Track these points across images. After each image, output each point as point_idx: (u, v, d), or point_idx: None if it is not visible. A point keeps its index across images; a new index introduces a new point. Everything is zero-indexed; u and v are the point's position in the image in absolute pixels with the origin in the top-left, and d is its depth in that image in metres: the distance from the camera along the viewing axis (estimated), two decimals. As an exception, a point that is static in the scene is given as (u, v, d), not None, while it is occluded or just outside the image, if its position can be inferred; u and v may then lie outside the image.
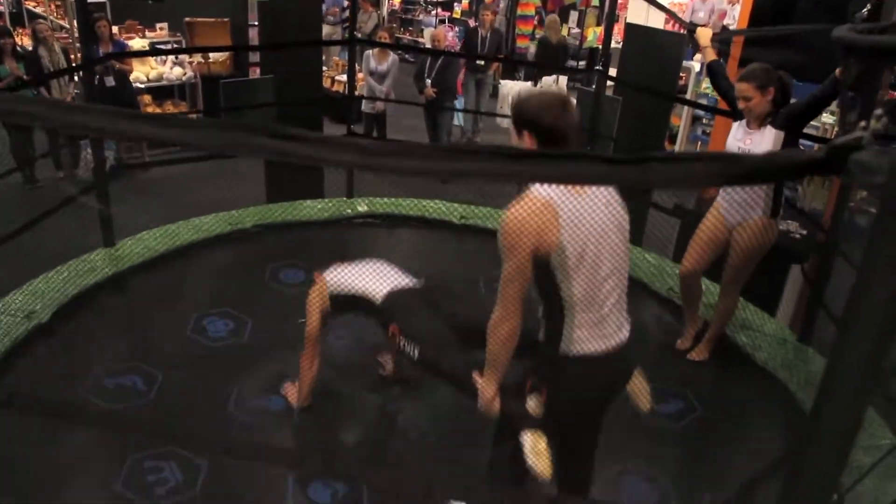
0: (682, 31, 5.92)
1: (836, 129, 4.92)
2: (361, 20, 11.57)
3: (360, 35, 9.96)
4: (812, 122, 4.23)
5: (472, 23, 10.06)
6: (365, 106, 7.85)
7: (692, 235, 3.91)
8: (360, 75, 7.82)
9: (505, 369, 2.26)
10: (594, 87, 5.52)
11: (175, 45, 9.32)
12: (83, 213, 4.66)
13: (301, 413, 3.32)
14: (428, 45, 11.85)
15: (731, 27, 9.02)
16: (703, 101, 8.12)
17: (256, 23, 8.21)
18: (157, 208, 5.65)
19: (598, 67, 5.47)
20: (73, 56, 7.54)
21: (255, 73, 8.30)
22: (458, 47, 10.76)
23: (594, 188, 2.07)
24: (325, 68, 9.46)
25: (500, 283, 2.10)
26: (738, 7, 7.75)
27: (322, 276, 3.17)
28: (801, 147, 3.78)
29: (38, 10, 10.89)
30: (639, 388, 2.45)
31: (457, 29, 13.69)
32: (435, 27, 13.85)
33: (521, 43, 12.83)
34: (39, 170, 7.19)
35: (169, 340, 3.81)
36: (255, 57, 8.64)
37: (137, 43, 8.83)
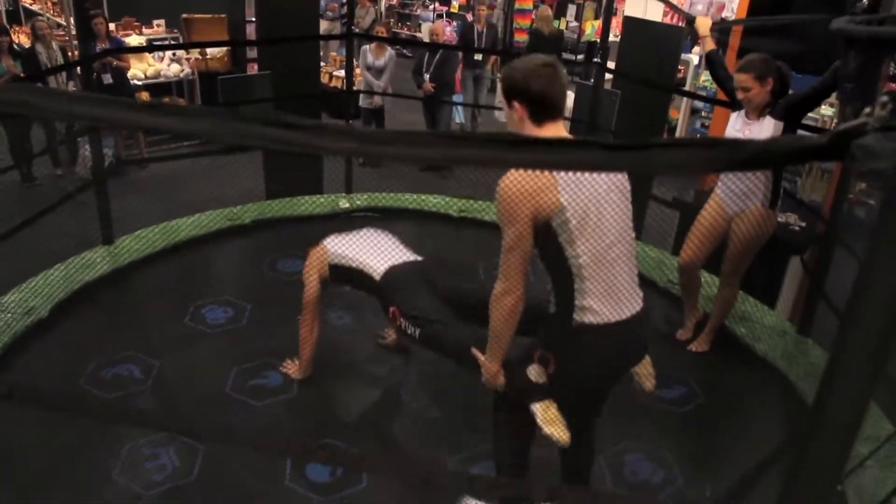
0: (680, 23, 5.91)
1: (834, 120, 4.91)
2: (359, 15, 11.55)
3: (357, 30, 9.93)
4: (810, 114, 4.21)
5: (469, 17, 10.04)
6: (363, 101, 7.85)
7: (694, 222, 3.90)
8: (357, 71, 7.81)
9: (508, 343, 2.22)
10: (592, 80, 5.50)
11: (172, 42, 9.30)
12: (82, 211, 4.65)
13: (301, 386, 3.33)
14: (426, 40, 11.83)
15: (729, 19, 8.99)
16: (702, 94, 8.11)
17: (254, 19, 8.18)
18: (155, 205, 5.64)
19: (596, 60, 5.44)
20: (70, 54, 7.52)
21: (253, 69, 8.27)
22: (456, 42, 10.73)
23: None
24: (322, 64, 9.45)
25: (501, 255, 2.06)
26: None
27: (321, 244, 3.16)
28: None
29: (35, 7, 10.87)
30: (644, 368, 2.43)
31: (455, 23, 13.66)
32: (433, 22, 13.83)
33: (519, 37, 12.79)
34: (37, 167, 7.17)
35: (167, 329, 3.82)
36: (252, 53, 8.61)
37: (134, 40, 8.81)
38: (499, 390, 2.34)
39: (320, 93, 7.35)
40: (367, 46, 7.80)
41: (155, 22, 9.55)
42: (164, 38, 9.42)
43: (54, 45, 7.24)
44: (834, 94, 3.54)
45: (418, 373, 3.52)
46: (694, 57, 8.61)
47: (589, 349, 2.13)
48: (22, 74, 6.82)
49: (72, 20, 7.74)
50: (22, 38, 8.91)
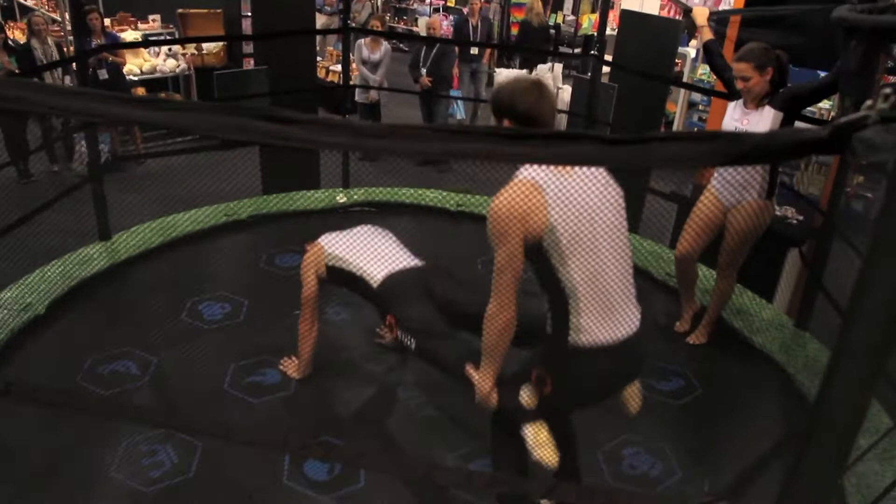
0: (677, 16, 5.90)
1: (832, 112, 4.90)
2: (355, 10, 11.53)
3: (354, 25, 9.91)
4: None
5: (465, 11, 10.02)
6: (359, 96, 7.82)
7: (690, 214, 3.90)
8: (354, 65, 7.79)
9: (502, 361, 2.22)
10: (590, 73, 5.49)
11: (168, 37, 9.28)
12: (78, 207, 4.64)
13: (299, 384, 3.32)
14: (423, 35, 11.80)
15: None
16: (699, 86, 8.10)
17: (249, 13, 8.16)
18: (152, 201, 5.63)
19: (593, 53, 5.43)
20: (65, 49, 7.49)
21: (249, 64, 8.27)
22: (451, 36, 10.71)
23: (581, 168, 2.02)
24: (319, 59, 9.42)
25: (493, 274, 2.06)
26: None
27: (317, 243, 3.14)
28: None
29: (30, 3, 10.83)
30: (632, 389, 2.40)
31: (451, 18, 13.63)
32: (429, 16, 13.80)
33: (516, 31, 12.78)
34: (34, 164, 7.15)
35: (164, 326, 3.81)
36: (248, 48, 8.60)
37: (130, 35, 8.79)
38: (492, 409, 2.35)
39: (317, 88, 7.33)
40: (362, 41, 7.78)
41: (150, 17, 9.52)
42: (160, 34, 9.39)
43: (50, 40, 7.22)
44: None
45: (416, 370, 3.51)
46: (691, 50, 8.59)
47: (583, 370, 2.13)
48: (17, 70, 6.80)
49: (67, 16, 7.72)
50: (17, 34, 8.87)
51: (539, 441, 2.22)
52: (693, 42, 8.74)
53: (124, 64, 7.83)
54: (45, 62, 6.92)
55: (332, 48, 10.85)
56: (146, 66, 8.67)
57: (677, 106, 8.61)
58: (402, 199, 5.60)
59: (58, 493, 2.75)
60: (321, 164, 5.86)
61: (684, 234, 3.84)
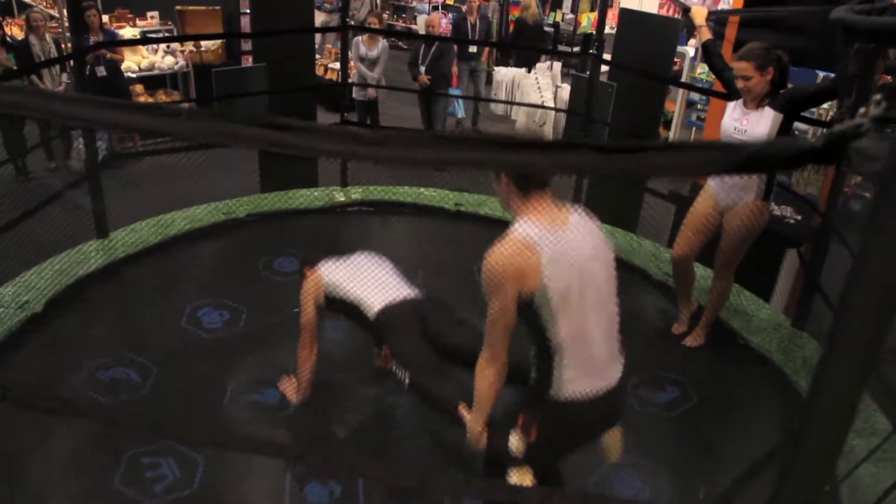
0: (676, 15, 5.90)
1: (830, 112, 4.91)
2: (354, 7, 11.52)
3: (353, 22, 9.90)
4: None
5: (464, 9, 10.01)
6: (356, 93, 7.80)
7: (686, 216, 3.89)
8: (352, 63, 7.78)
9: (491, 407, 2.30)
10: (588, 72, 5.49)
11: (166, 34, 9.26)
12: (75, 204, 4.63)
13: (296, 407, 3.31)
14: (421, 32, 11.79)
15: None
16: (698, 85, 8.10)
17: (248, 10, 8.15)
18: (150, 198, 5.62)
19: (592, 51, 5.43)
20: (63, 46, 7.48)
21: (248, 61, 8.26)
22: (449, 34, 10.70)
23: (575, 224, 2.09)
24: (318, 56, 9.41)
25: (485, 325, 2.13)
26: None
27: (315, 270, 3.16)
28: (796, 129, 3.76)
29: (28, -1, 10.79)
30: (612, 438, 2.47)
31: (450, 15, 13.61)
32: (428, 14, 13.78)
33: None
34: (31, 161, 7.15)
35: (164, 332, 3.79)
36: (247, 45, 8.58)
37: (128, 32, 8.77)
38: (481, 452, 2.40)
39: (315, 85, 7.32)
40: (360, 38, 7.76)
41: (149, 14, 9.49)
42: (158, 30, 9.37)
43: (48, 37, 7.20)
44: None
45: (413, 395, 3.49)
46: (690, 49, 8.59)
47: (564, 420, 2.20)
48: (15, 67, 6.78)
49: (65, 12, 7.70)
50: (15, 30, 8.85)
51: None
52: (692, 41, 8.75)
53: (122, 61, 7.82)
54: (42, 59, 6.91)
55: (330, 46, 10.84)
56: (144, 63, 8.66)
57: (676, 105, 8.61)
58: (400, 197, 5.59)
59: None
60: (319, 163, 5.86)
61: (681, 235, 3.84)
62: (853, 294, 0.94)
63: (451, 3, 14.87)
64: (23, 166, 6.99)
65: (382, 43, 7.80)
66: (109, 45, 6.96)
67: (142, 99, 8.40)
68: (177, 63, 8.83)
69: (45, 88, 7.04)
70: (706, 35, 3.91)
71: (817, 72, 5.77)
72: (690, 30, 6.52)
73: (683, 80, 8.54)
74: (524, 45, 10.26)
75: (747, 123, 3.52)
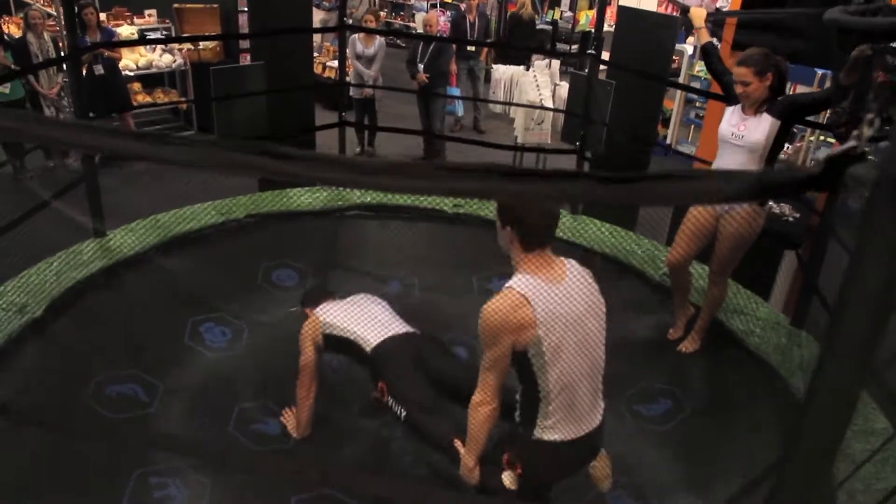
0: (675, 13, 5.90)
1: (826, 114, 4.89)
2: (353, 5, 11.51)
3: (351, 21, 9.89)
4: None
5: (463, 7, 10.01)
6: (353, 92, 7.79)
7: (682, 222, 3.89)
8: (350, 61, 7.77)
9: (483, 445, 2.39)
10: (587, 70, 5.49)
11: (164, 32, 9.23)
12: (73, 203, 4.61)
13: (296, 439, 3.34)
14: (420, 30, 11.77)
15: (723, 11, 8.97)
16: (696, 85, 8.12)
17: (246, 8, 8.12)
18: (147, 197, 5.61)
19: (590, 51, 5.43)
20: (61, 44, 7.46)
21: (246, 59, 8.24)
22: (448, 33, 10.70)
23: (571, 280, 2.18)
24: (316, 55, 9.39)
25: (480, 369, 2.24)
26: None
27: (314, 312, 3.21)
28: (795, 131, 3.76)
29: (25, -3, 10.75)
30: (601, 469, 2.59)
31: (448, 13, 13.60)
32: (426, 11, 13.76)
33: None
34: (29, 159, 7.14)
35: (166, 345, 3.79)
36: (245, 43, 8.56)
37: (126, 30, 8.74)
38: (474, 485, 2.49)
39: (314, 84, 7.31)
40: (356, 35, 7.75)
41: (146, 11, 9.46)
42: (156, 28, 9.34)
43: (46, 35, 7.19)
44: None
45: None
46: (688, 47, 8.59)
47: (544, 461, 2.33)
48: (13, 66, 6.77)
49: (62, 10, 7.68)
50: (12, 29, 8.83)
51: None
52: (690, 38, 8.74)
53: (120, 59, 7.81)
54: (40, 57, 6.90)
55: (329, 44, 10.82)
56: (142, 62, 8.65)
57: (675, 102, 8.62)
58: (397, 201, 5.56)
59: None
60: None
61: (677, 242, 3.84)
62: (850, 292, 0.96)
63: (450, 1, 14.84)
64: (21, 164, 6.99)
65: (379, 40, 7.80)
66: (107, 45, 6.95)
67: (140, 97, 8.39)
68: (175, 61, 8.82)
69: (39, 92, 7.05)
70: (705, 37, 3.90)
71: (816, 70, 5.78)
72: (689, 27, 6.52)
73: (682, 77, 8.55)
74: (521, 45, 10.27)
75: (744, 129, 3.52)
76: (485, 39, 9.28)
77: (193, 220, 4.91)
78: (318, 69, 9.78)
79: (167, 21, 9.42)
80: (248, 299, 4.28)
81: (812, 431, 1.10)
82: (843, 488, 2.85)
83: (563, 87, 8.35)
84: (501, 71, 9.46)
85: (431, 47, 7.94)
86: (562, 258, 2.25)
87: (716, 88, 3.98)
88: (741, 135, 3.52)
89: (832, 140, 5.73)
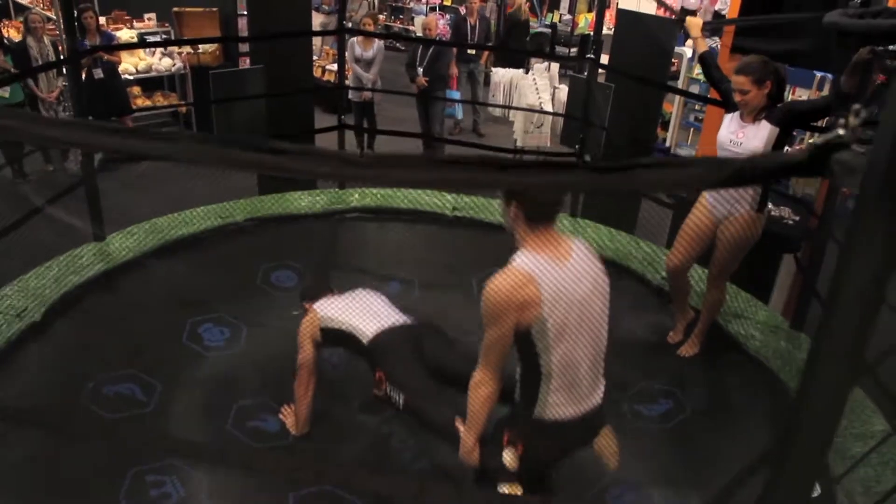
0: (673, 16, 5.90)
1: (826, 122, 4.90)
2: (352, 9, 11.52)
3: (351, 24, 9.90)
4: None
5: (462, 10, 10.02)
6: (352, 95, 7.80)
7: (682, 226, 3.89)
8: (349, 64, 7.78)
9: (483, 425, 2.35)
10: (586, 73, 5.49)
11: (164, 36, 9.25)
12: (72, 207, 4.62)
13: (297, 437, 3.34)
14: (419, 34, 11.79)
15: (723, 13, 8.98)
16: (695, 88, 8.11)
17: (245, 12, 8.14)
18: (147, 201, 5.61)
19: (589, 55, 5.43)
20: (61, 48, 7.47)
21: (245, 63, 8.25)
22: (450, 35, 10.71)
23: (576, 258, 2.13)
24: (315, 58, 9.40)
25: (481, 347, 2.19)
26: (729, -8, 7.72)
27: (313, 307, 3.19)
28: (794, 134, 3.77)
29: (25, 1, 10.78)
30: (607, 446, 2.52)
31: (448, 17, 13.61)
32: (426, 15, 13.78)
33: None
34: (28, 163, 7.14)
35: (165, 346, 3.79)
36: (244, 47, 8.57)
37: (125, 34, 8.76)
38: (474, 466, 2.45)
39: (313, 87, 7.31)
40: (355, 38, 7.75)
41: (146, 15, 9.48)
42: (155, 32, 9.35)
43: (46, 39, 7.20)
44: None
45: (410, 422, 3.48)
46: (688, 50, 8.57)
47: (545, 440, 2.28)
48: (12, 69, 6.78)
49: (62, 14, 7.69)
50: (12, 33, 8.84)
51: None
52: (689, 42, 8.74)
53: (119, 63, 7.81)
54: (40, 61, 6.91)
55: (328, 47, 10.83)
56: (142, 65, 8.65)
57: (674, 106, 8.62)
58: (397, 202, 5.57)
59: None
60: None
61: (676, 247, 3.84)
62: (839, 285, 0.96)
63: (449, 4, 14.86)
64: (20, 168, 6.99)
65: (378, 44, 7.80)
66: (106, 48, 6.96)
67: (139, 101, 8.39)
68: (174, 65, 8.82)
69: (38, 96, 7.05)
70: (702, 47, 3.90)
71: (815, 72, 5.79)
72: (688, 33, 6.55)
73: (681, 80, 8.54)
74: (521, 48, 10.29)
75: (743, 136, 3.52)
76: (486, 42, 9.28)
77: (193, 224, 4.92)
78: (317, 73, 9.79)
79: (167, 25, 9.44)
80: (248, 300, 4.28)
81: (805, 426, 1.10)
82: (843, 489, 2.85)
83: (563, 91, 8.35)
84: (501, 74, 9.48)
85: (431, 51, 7.94)
86: (567, 236, 2.19)
87: (714, 94, 3.97)
88: (740, 142, 3.52)
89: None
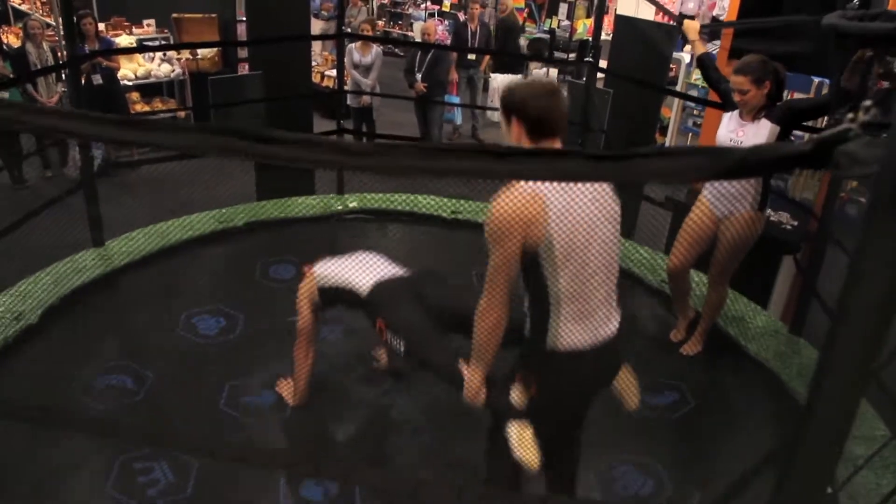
0: (671, 22, 5.91)
1: (825, 120, 4.91)
2: (351, 15, 11.54)
3: (349, 30, 9.92)
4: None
5: (461, 16, 10.06)
6: (351, 100, 7.81)
7: (682, 226, 3.89)
8: (347, 70, 7.79)
9: (492, 359, 2.22)
10: (584, 79, 5.49)
11: (163, 42, 9.26)
12: (71, 213, 4.62)
13: (294, 408, 3.31)
14: (418, 40, 11.81)
15: (720, 18, 9.01)
16: (694, 93, 8.13)
17: (244, 18, 8.15)
18: (146, 207, 5.61)
19: (587, 59, 5.44)
20: (60, 54, 7.48)
21: (244, 69, 8.26)
22: (449, 42, 10.74)
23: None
24: (314, 63, 9.41)
25: (487, 273, 2.06)
26: (727, -3, 7.74)
27: (311, 270, 3.15)
28: (793, 138, 3.77)
29: (24, 7, 10.80)
30: (627, 384, 2.41)
31: (446, 22, 13.65)
32: (424, 21, 13.81)
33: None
34: (27, 169, 7.14)
35: (159, 339, 3.78)
36: (243, 53, 8.59)
37: (124, 40, 8.77)
38: (480, 407, 2.36)
39: (312, 93, 7.32)
40: (353, 44, 7.77)
41: (145, 22, 9.50)
42: (155, 38, 9.37)
43: (45, 45, 7.21)
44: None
45: (411, 394, 3.49)
46: (685, 56, 8.61)
47: (561, 373, 2.15)
48: (11, 75, 6.79)
49: (61, 20, 7.70)
50: (11, 39, 8.85)
51: (522, 441, 2.21)
52: (687, 47, 8.77)
53: (118, 69, 7.82)
54: (39, 66, 6.91)
55: (327, 53, 10.85)
56: (141, 71, 8.66)
57: (672, 111, 8.63)
58: (396, 205, 5.58)
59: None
60: (316, 171, 5.85)
61: (676, 246, 3.83)
62: (850, 298, 0.94)
63: (448, 10, 14.90)
64: (19, 174, 6.98)
65: (376, 49, 7.82)
66: (105, 53, 6.96)
67: (138, 107, 8.40)
68: (173, 71, 8.83)
69: (37, 101, 7.05)
70: (700, 49, 3.91)
71: (813, 78, 5.79)
72: (686, 37, 6.58)
73: (679, 86, 8.56)
74: (520, 54, 10.32)
75: (743, 135, 3.52)
76: (486, 48, 9.30)
77: (192, 228, 4.92)
78: (316, 78, 9.81)
79: (166, 31, 9.46)
80: (245, 292, 4.29)
81: (812, 438, 1.08)
82: (845, 493, 2.83)
83: (561, 96, 8.35)
84: (500, 80, 9.50)
85: (429, 56, 7.96)
86: None
87: (713, 96, 3.97)
88: (740, 140, 3.51)
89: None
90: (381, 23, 14.69)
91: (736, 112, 3.58)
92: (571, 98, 6.00)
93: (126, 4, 9.57)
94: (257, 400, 3.35)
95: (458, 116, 9.37)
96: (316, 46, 10.82)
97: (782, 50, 4.26)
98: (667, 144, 8.62)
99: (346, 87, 6.96)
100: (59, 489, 2.81)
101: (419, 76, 7.99)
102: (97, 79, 7.24)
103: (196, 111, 8.37)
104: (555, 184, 1.97)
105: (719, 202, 3.64)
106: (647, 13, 8.10)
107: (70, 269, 4.25)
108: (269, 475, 2.91)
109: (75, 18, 6.25)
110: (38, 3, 10.48)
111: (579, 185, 2.02)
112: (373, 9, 15.00)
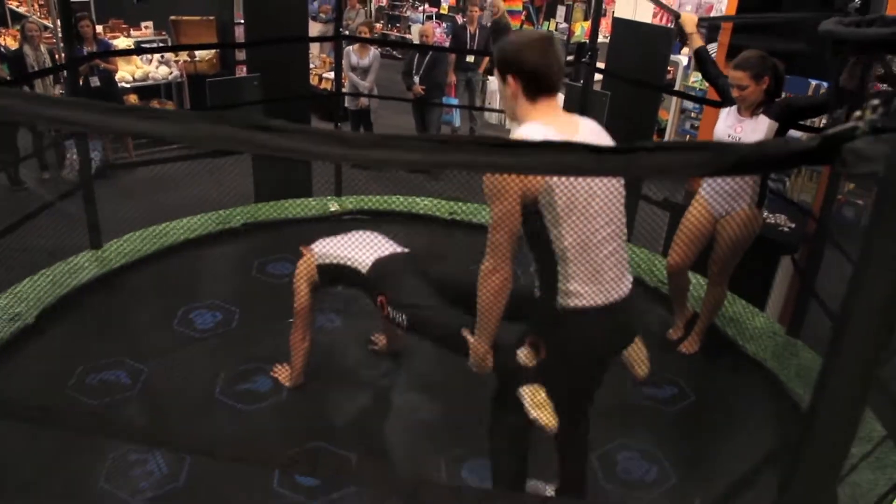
0: (668, 24, 5.92)
1: (823, 120, 4.92)
2: (349, 17, 11.53)
3: (347, 32, 9.92)
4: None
5: (459, 19, 10.07)
6: (349, 102, 7.81)
7: (680, 224, 3.89)
8: (345, 72, 7.80)
9: (497, 323, 2.15)
10: (582, 81, 5.49)
11: (161, 44, 9.26)
12: (69, 215, 4.61)
13: (290, 391, 3.32)
14: (415, 42, 11.82)
15: (718, 21, 9.03)
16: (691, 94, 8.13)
17: (242, 21, 8.14)
18: (144, 209, 5.60)
19: (584, 60, 5.44)
20: (57, 56, 7.47)
21: (242, 71, 8.25)
22: (449, 44, 10.74)
23: (584, 131, 2.02)
24: (312, 66, 9.42)
25: (488, 231, 2.01)
26: None
27: (309, 248, 3.14)
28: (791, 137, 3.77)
29: (21, 9, 10.79)
30: (636, 354, 2.37)
31: (444, 25, 13.66)
32: (422, 23, 13.82)
33: (508, 39, 12.77)
34: (24, 171, 7.13)
35: (155, 334, 3.79)
36: (241, 55, 8.59)
37: (122, 42, 8.76)
38: (487, 373, 2.30)
39: (309, 95, 7.33)
40: (351, 47, 7.78)
41: (143, 24, 9.50)
42: (152, 41, 9.37)
43: (42, 47, 7.20)
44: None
45: (409, 376, 3.51)
46: (683, 58, 8.63)
47: (573, 333, 2.08)
48: (8, 77, 6.78)
49: (59, 23, 7.69)
50: (8, 41, 8.84)
51: (536, 402, 2.15)
52: (685, 50, 8.78)
53: (116, 71, 7.82)
54: (37, 69, 6.91)
55: (325, 55, 10.85)
56: (138, 74, 8.66)
57: (670, 113, 8.65)
58: (394, 207, 5.58)
59: (46, 505, 2.71)
60: (313, 172, 5.85)
61: (675, 244, 3.82)
62: (854, 302, 0.93)
63: (445, 12, 14.91)
64: (16, 176, 6.97)
65: (373, 52, 7.82)
66: (103, 55, 6.96)
67: (136, 109, 8.39)
68: (171, 73, 8.83)
69: (37, 93, 7.03)
70: (697, 42, 3.91)
71: (810, 80, 5.80)
72: (684, 38, 6.59)
73: (677, 88, 8.57)
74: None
75: (741, 131, 3.52)
76: (485, 50, 9.32)
77: (189, 230, 4.92)
78: (314, 81, 9.80)
79: (164, 33, 9.47)
80: (242, 288, 4.31)
81: (815, 446, 1.06)
82: (842, 492, 2.83)
83: (559, 98, 8.36)
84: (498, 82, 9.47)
85: (427, 58, 7.97)
86: (575, 114, 2.04)
87: (712, 94, 3.97)
88: (738, 136, 3.51)
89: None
90: (378, 25, 14.69)
91: (734, 108, 3.57)
92: (569, 100, 6.01)
93: (124, 7, 9.57)
94: (252, 386, 3.37)
95: (456, 118, 9.37)
96: (314, 49, 10.83)
97: (782, 48, 4.27)
98: (664, 147, 8.62)
99: (343, 90, 6.97)
100: (53, 482, 2.80)
101: (417, 78, 7.99)
102: (95, 81, 7.23)
103: (194, 113, 8.36)
104: (554, 132, 1.93)
105: (717, 200, 3.64)
106: (645, 16, 8.12)
107: (68, 270, 4.24)
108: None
109: (73, 21, 6.25)
110: (36, 6, 10.47)
111: (580, 133, 1.98)
112: (371, 11, 15.00)
